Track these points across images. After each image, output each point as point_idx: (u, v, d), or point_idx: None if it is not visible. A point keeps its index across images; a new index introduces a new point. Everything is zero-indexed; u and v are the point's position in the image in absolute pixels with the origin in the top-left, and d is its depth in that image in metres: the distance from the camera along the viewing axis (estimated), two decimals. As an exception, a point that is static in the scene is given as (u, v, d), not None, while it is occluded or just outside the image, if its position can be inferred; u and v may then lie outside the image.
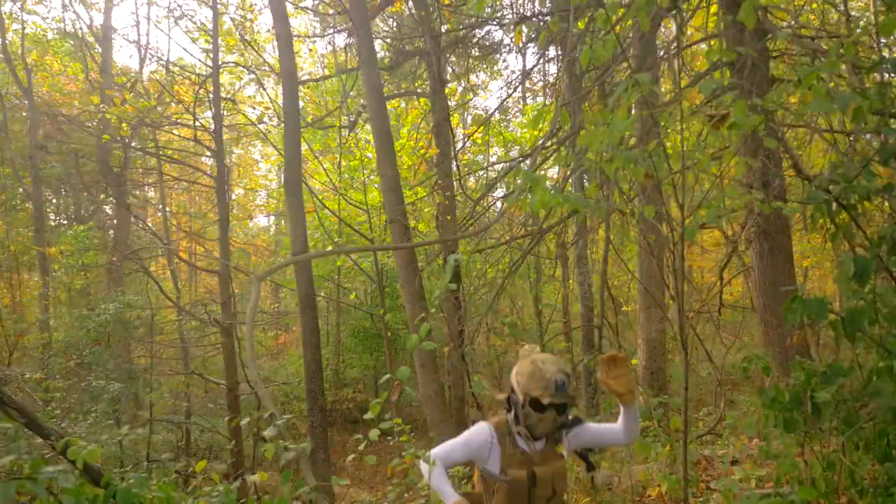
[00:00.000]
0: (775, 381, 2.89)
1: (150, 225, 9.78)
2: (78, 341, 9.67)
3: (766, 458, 2.90)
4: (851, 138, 5.59)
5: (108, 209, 14.37)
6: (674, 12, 7.13)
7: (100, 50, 14.16)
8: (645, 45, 7.69)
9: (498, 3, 12.72)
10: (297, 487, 2.41)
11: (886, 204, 4.64)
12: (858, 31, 5.93)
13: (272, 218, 25.36)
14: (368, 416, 2.66)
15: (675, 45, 7.08)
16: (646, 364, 9.69)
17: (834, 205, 2.49)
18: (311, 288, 6.52)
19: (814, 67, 2.80)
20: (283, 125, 13.20)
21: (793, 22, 6.71)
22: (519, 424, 2.43)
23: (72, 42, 13.72)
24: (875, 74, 5.65)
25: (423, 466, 2.44)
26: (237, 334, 7.93)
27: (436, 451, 2.49)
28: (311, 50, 15.19)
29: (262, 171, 23.85)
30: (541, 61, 12.50)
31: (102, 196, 13.84)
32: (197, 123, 9.37)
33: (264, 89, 10.85)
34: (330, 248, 11.62)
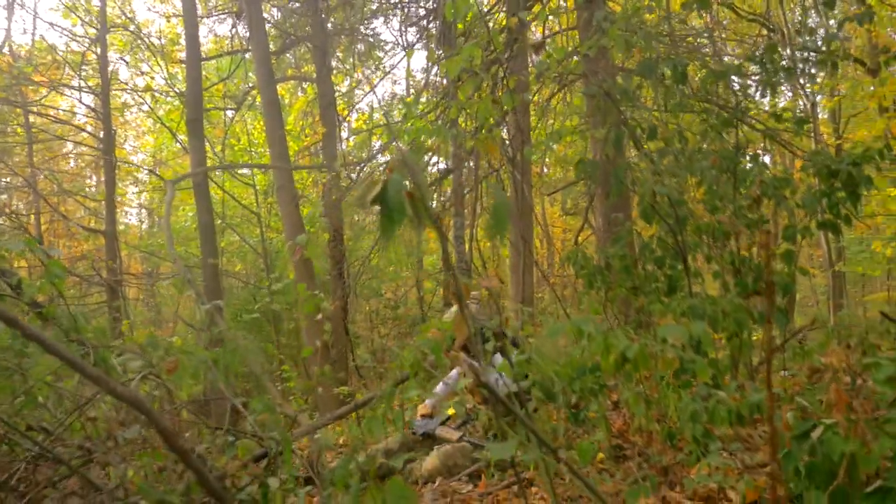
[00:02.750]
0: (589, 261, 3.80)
1: (27, 181, 9.51)
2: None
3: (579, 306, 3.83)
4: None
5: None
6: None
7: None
8: (515, 40, 8.74)
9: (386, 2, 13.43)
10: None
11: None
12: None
13: (144, 212, 24.53)
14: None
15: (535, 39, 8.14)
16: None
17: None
18: (210, 216, 7.03)
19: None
20: (168, 101, 13.25)
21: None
22: None
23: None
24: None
25: None
26: (123, 294, 8.08)
27: None
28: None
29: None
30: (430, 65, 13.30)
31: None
32: (82, 86, 9.35)
33: (154, 56, 10.93)
34: (218, 222, 11.83)
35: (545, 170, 16.44)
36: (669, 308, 2.93)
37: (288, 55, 14.75)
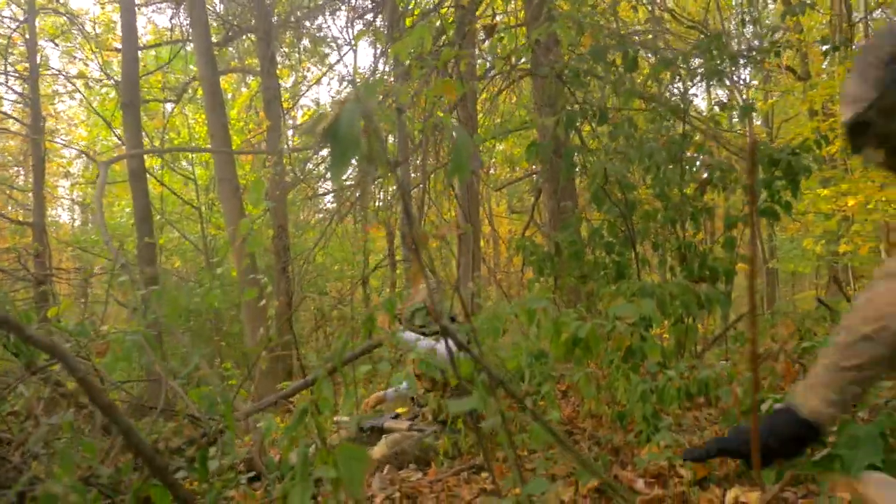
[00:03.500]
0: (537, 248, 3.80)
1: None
2: None
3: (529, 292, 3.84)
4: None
5: None
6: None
7: None
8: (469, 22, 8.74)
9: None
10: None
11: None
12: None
13: (77, 209, 23.48)
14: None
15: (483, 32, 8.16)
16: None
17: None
18: (147, 202, 6.80)
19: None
20: (103, 93, 12.72)
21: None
22: None
23: None
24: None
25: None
26: (51, 288, 7.67)
27: None
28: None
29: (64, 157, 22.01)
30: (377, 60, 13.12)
31: None
32: (9, 71, 8.86)
33: (88, 42, 10.46)
34: (157, 218, 11.42)
35: (492, 169, 16.54)
36: (619, 292, 2.94)
37: (230, 48, 14.40)
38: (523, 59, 7.57)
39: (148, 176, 11.10)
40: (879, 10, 10.79)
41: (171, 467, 1.24)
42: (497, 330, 2.85)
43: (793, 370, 2.11)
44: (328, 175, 9.40)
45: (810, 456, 1.96)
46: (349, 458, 0.96)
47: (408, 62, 4.87)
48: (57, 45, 10.64)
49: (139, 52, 12.24)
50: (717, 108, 3.79)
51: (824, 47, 4.86)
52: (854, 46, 8.81)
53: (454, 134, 0.95)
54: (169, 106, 14.31)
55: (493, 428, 1.26)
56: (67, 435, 1.37)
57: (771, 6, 12.71)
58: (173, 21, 12.55)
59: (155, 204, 12.91)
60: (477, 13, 7.92)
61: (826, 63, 12.47)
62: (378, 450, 3.06)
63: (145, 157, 13.26)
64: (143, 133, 11.92)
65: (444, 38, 5.90)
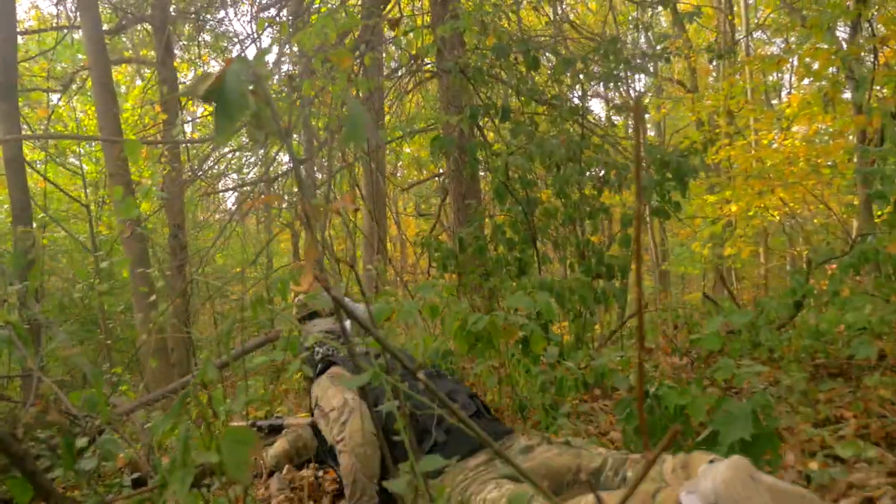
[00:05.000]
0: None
1: None
2: None
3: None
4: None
5: None
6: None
7: None
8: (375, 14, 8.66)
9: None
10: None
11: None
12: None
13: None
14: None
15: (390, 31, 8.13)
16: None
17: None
18: (26, 195, 6.32)
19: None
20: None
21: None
22: None
23: None
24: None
25: None
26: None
27: None
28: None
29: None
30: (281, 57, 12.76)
31: None
32: None
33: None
34: (40, 216, 10.59)
35: (399, 173, 16.53)
36: (520, 286, 2.99)
37: (124, 39, 13.66)
38: (429, 64, 7.61)
39: (29, 171, 10.28)
40: (759, 31, 11.66)
41: (34, 459, 1.13)
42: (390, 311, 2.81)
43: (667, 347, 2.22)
44: (226, 169, 9.06)
45: (696, 435, 2.07)
46: (233, 440, 0.91)
47: (311, 56, 4.77)
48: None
49: (20, 38, 11.34)
50: (613, 114, 3.95)
51: (713, 63, 5.18)
52: (737, 62, 9.47)
53: (349, 103, 0.93)
54: (55, 97, 13.37)
55: (391, 412, 1.25)
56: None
57: (663, 21, 13.44)
58: (59, 7, 11.75)
59: (38, 201, 11.98)
60: (384, 11, 7.89)
61: (712, 78, 13.35)
62: (278, 446, 2.95)
63: (26, 148, 12.33)
64: (26, 125, 11.04)
65: (349, 35, 5.84)
